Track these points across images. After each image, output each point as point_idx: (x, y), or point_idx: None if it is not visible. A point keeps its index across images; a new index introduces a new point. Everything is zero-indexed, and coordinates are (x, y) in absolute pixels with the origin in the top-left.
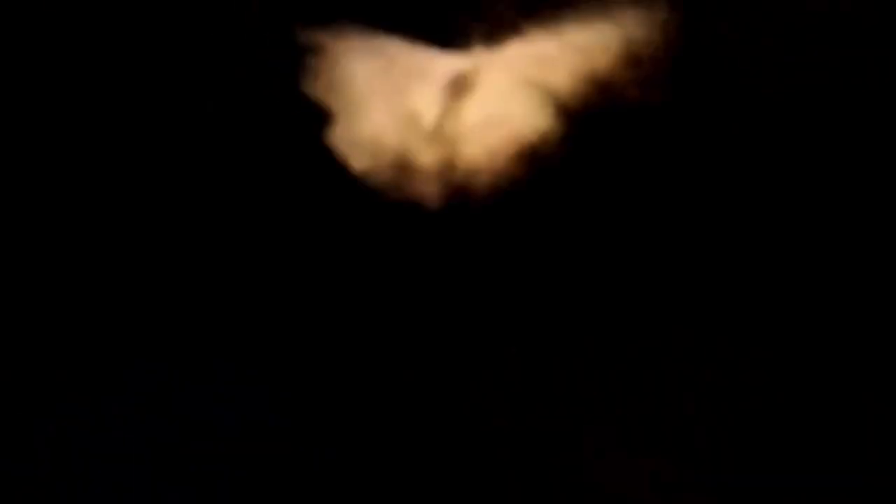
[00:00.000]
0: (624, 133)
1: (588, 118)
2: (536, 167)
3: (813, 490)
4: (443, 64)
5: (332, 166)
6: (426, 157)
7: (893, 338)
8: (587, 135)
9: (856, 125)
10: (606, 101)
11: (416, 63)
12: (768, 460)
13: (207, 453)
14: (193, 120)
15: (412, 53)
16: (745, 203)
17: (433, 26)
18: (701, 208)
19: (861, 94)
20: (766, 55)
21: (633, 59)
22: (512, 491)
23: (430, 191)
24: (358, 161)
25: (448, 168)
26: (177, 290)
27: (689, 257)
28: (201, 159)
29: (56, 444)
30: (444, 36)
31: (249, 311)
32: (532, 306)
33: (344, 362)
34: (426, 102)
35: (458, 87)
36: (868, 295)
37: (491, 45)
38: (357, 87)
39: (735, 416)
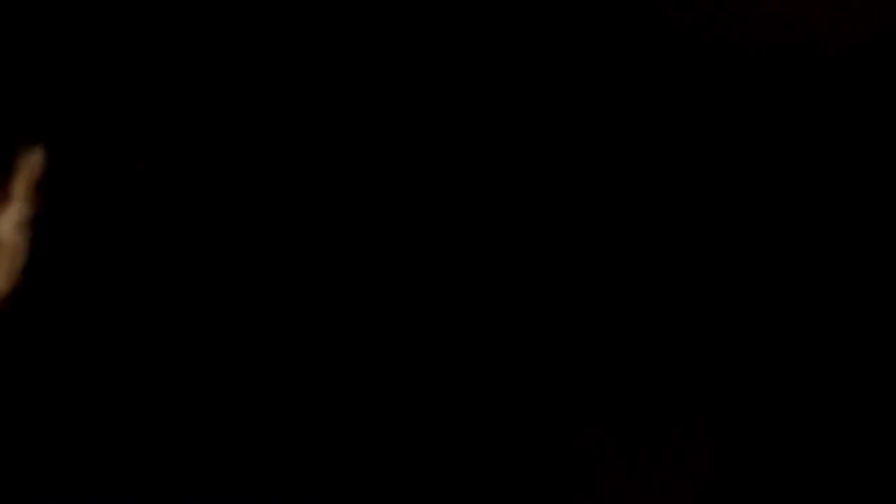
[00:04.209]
0: None
1: None
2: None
3: (813, 490)
4: None
5: None
6: None
7: (893, 338)
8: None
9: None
10: None
11: None
12: (766, 460)
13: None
14: None
15: None
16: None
17: None
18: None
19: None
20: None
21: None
22: (512, 491)
23: None
24: None
25: None
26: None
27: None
28: None
29: None
30: None
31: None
32: (533, 309)
33: (344, 363)
34: None
35: None
36: (865, 296)
37: None
38: None
39: (733, 416)
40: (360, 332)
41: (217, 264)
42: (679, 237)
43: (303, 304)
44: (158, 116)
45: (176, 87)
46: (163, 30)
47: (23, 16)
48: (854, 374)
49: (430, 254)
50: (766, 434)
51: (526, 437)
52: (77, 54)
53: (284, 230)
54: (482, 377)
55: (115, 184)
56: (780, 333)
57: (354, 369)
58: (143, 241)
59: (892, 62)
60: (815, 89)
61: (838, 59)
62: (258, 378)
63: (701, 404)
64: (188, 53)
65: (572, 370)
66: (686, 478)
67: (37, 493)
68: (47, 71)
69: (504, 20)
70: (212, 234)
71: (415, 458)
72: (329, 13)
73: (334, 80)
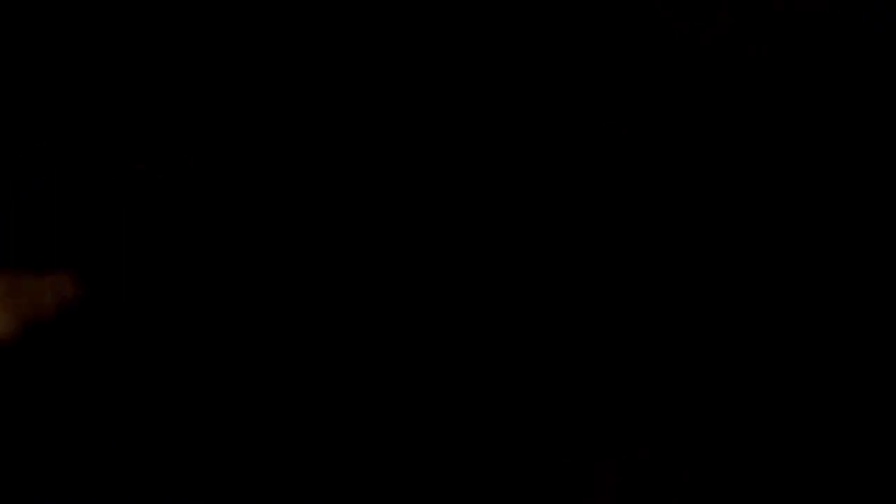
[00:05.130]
0: None
1: None
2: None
3: (813, 489)
4: None
5: None
6: None
7: (893, 338)
8: None
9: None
10: None
11: None
12: (766, 459)
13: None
14: None
15: None
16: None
17: None
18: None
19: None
20: None
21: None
22: (511, 490)
23: None
24: None
25: None
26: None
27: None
28: None
29: None
30: None
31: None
32: (533, 310)
33: (344, 363)
34: None
35: None
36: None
37: None
38: None
39: (732, 416)
40: (359, 331)
41: (217, 264)
42: (679, 237)
43: (302, 304)
44: (158, 116)
45: (176, 88)
46: (163, 30)
47: (24, 16)
48: (854, 373)
49: (429, 254)
50: (766, 433)
51: (526, 436)
52: (78, 54)
53: (284, 230)
54: (482, 377)
55: (116, 184)
56: (780, 333)
57: (354, 369)
58: (143, 240)
59: (891, 64)
60: (814, 90)
61: (837, 59)
62: (258, 378)
63: (701, 403)
64: (188, 53)
65: (572, 369)
66: (686, 477)
67: (37, 493)
68: (48, 72)
69: (505, 21)
70: (212, 234)
71: (414, 458)
72: (329, 13)
73: (334, 80)
